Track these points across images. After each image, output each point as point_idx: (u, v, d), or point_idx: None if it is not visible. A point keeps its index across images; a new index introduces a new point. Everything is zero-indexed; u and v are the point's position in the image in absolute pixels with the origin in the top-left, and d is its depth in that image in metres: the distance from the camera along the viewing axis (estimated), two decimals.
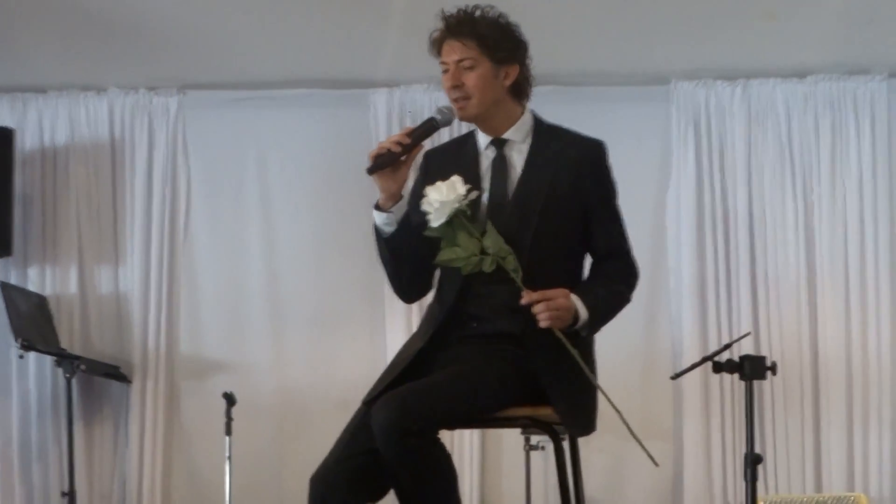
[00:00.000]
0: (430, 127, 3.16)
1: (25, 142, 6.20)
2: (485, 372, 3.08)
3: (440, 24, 3.20)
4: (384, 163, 3.09)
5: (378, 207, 3.17)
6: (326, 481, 3.02)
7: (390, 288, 3.32)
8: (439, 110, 3.18)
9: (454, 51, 3.17)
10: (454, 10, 3.19)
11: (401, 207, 3.16)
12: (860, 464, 5.90)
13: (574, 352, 3.02)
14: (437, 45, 3.21)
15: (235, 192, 6.26)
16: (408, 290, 3.31)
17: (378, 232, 3.18)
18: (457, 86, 3.16)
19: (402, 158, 3.11)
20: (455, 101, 3.17)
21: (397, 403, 2.89)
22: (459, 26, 3.17)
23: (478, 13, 3.18)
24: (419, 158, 3.25)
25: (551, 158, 3.20)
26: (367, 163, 6.48)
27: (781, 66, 6.05)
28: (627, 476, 5.95)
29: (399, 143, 3.09)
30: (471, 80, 3.16)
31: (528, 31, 3.29)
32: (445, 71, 3.19)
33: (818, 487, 5.91)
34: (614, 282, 3.22)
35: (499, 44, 3.18)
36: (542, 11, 5.20)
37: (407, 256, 3.18)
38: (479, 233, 3.04)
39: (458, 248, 3.03)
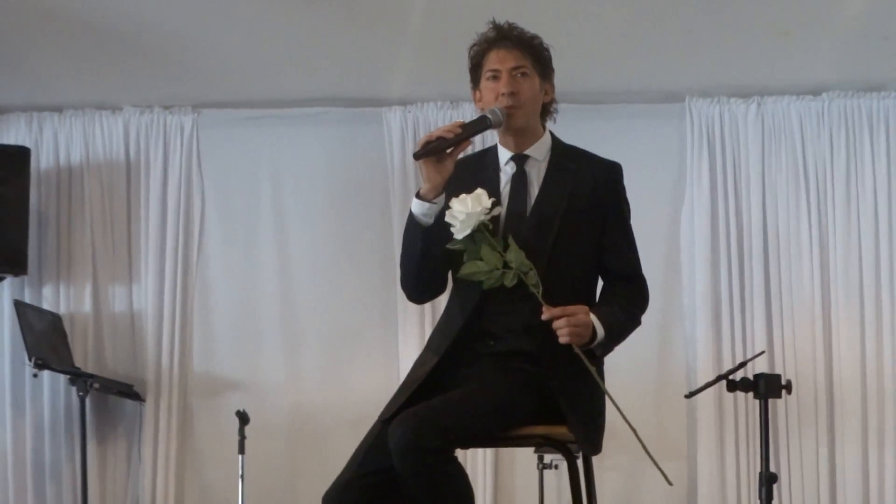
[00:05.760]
0: (482, 125, 3.14)
1: (41, 160, 6.23)
2: (501, 390, 3.07)
3: (489, 32, 3.21)
4: (432, 150, 3.05)
5: (419, 197, 3.12)
6: (340, 499, 3.01)
7: (403, 303, 3.31)
8: (492, 111, 3.16)
9: (511, 58, 3.18)
10: (502, 22, 3.21)
11: (442, 200, 3.11)
12: (875, 482, 5.87)
13: (592, 368, 3.02)
14: (483, 53, 3.21)
15: (249, 210, 6.27)
16: (423, 290, 3.27)
17: (415, 221, 3.14)
18: (513, 92, 3.16)
19: (449, 151, 3.08)
20: (507, 108, 3.16)
21: (414, 421, 2.88)
22: (515, 35, 3.20)
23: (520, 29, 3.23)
24: None
25: (569, 178, 3.21)
26: (381, 182, 6.53)
27: (796, 84, 6.05)
28: (641, 495, 5.92)
29: (451, 132, 3.06)
30: (525, 88, 3.18)
31: (552, 53, 3.30)
32: (494, 77, 3.18)
33: None
34: (628, 303, 3.21)
35: (544, 60, 3.23)
36: (558, 31, 5.18)
37: (436, 253, 3.13)
38: (500, 247, 3.04)
39: (480, 262, 3.03)
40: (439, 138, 3.06)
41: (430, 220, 3.11)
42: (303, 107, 6.21)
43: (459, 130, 3.07)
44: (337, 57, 5.75)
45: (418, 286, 3.26)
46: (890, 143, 6.06)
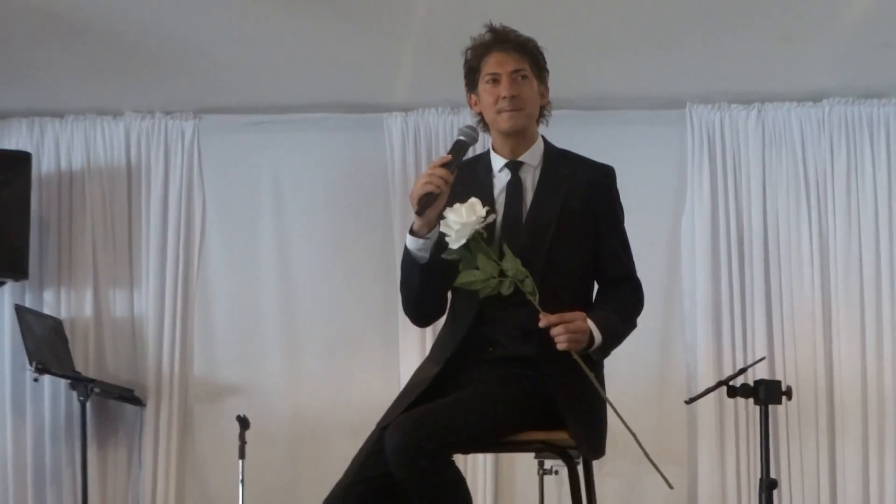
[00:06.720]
0: (463, 150, 3.13)
1: (42, 165, 6.23)
2: (499, 395, 3.07)
3: (486, 36, 3.21)
4: (429, 202, 3.04)
5: (413, 232, 3.12)
6: None
7: (404, 312, 3.30)
8: (461, 131, 3.15)
9: (510, 61, 3.18)
10: (499, 25, 3.21)
11: (435, 233, 3.10)
12: (876, 488, 5.86)
13: (591, 374, 3.02)
14: (480, 56, 3.21)
15: (250, 216, 6.27)
16: (425, 315, 3.29)
17: (411, 258, 3.14)
18: (514, 96, 3.16)
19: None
20: (508, 111, 3.16)
21: (411, 424, 2.88)
22: (512, 38, 3.20)
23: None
24: None
25: (562, 182, 3.21)
26: (381, 187, 6.50)
27: (796, 90, 6.05)
28: (641, 501, 5.92)
29: (443, 180, 3.03)
30: (526, 91, 3.18)
31: (546, 56, 3.30)
32: (494, 81, 3.18)
33: None
34: (625, 306, 3.22)
35: (540, 63, 3.24)
36: (559, 36, 5.19)
37: (435, 282, 3.14)
38: (496, 255, 3.04)
39: (476, 270, 3.02)
40: (433, 185, 3.02)
41: (426, 255, 3.10)
42: (304, 112, 6.21)
43: (451, 176, 3.05)
44: (338, 63, 5.75)
45: (419, 313, 3.27)
46: (890, 150, 6.06)
